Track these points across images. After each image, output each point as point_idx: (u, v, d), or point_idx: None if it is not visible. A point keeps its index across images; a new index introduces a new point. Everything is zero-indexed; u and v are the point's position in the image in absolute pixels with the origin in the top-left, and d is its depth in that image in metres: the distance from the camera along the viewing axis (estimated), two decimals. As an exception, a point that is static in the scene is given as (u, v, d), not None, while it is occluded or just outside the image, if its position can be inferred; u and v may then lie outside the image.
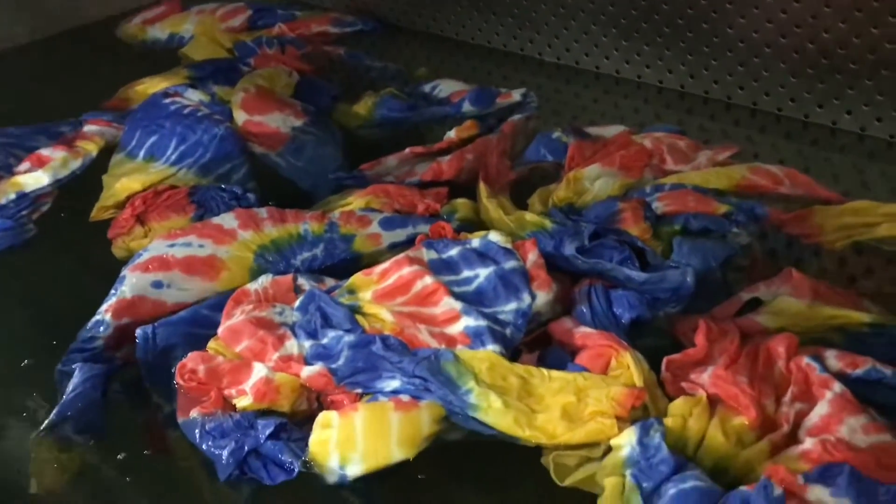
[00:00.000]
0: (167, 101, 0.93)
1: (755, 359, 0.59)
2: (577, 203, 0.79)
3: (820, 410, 0.54)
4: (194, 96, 0.96)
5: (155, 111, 0.92)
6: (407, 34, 1.27)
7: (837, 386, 0.55)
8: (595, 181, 0.80)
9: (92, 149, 0.91)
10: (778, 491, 0.48)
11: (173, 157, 0.86)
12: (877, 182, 0.87)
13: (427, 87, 1.05)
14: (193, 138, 0.87)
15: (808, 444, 0.52)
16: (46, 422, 0.57)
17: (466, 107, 0.98)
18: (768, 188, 0.78)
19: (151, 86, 1.03)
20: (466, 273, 0.64)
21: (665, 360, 0.60)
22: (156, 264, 0.67)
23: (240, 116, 0.92)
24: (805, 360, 0.57)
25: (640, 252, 0.69)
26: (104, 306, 0.65)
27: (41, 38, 1.26)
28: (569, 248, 0.68)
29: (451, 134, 0.91)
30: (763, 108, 0.99)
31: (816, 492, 0.48)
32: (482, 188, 0.79)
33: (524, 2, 1.14)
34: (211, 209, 0.79)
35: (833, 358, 0.58)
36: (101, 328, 0.64)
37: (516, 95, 0.99)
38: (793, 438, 0.54)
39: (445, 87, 1.04)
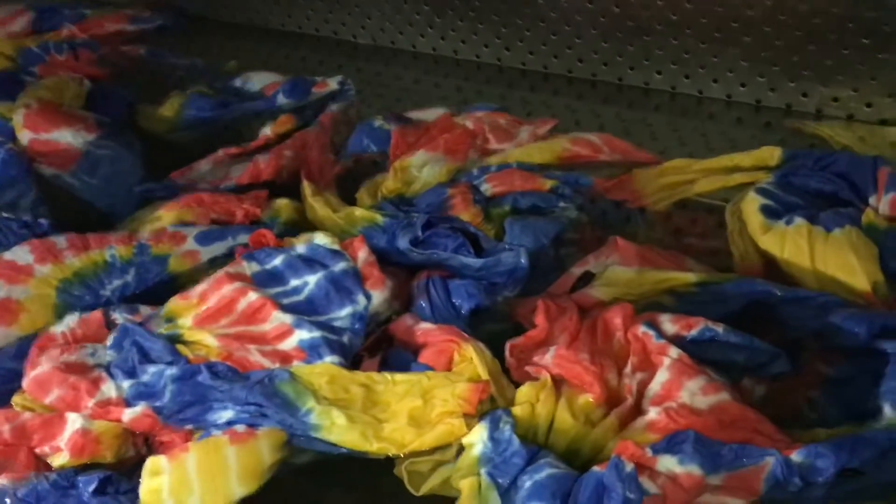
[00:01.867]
0: None
1: (593, 333, 0.59)
2: (406, 193, 0.77)
3: (660, 378, 0.54)
4: None
5: None
6: (212, 26, 1.21)
7: (674, 351, 0.55)
8: (422, 168, 0.78)
9: None
10: (629, 467, 0.48)
11: None
12: (691, 138, 0.89)
13: (238, 82, 0.99)
14: None
15: (653, 413, 0.52)
16: None
17: (281, 99, 0.93)
18: (589, 157, 0.79)
19: None
20: (294, 282, 0.61)
21: (508, 344, 0.59)
22: (-62, 316, 0.60)
23: (24, 135, 0.83)
24: (641, 329, 0.57)
25: (474, 238, 0.68)
26: None
27: None
28: (402, 242, 0.66)
29: (267, 130, 0.87)
30: (579, 75, 1.01)
31: (665, 461, 0.48)
32: (306, 186, 0.76)
33: (332, -16, 1.11)
34: None
35: (668, 322, 0.58)
36: None
37: (333, 84, 0.95)
38: (638, 409, 0.54)
39: (257, 80, 0.98)
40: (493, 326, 0.64)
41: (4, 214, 0.73)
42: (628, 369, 0.56)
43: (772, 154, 0.74)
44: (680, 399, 0.53)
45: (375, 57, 1.10)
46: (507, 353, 0.59)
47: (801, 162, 0.72)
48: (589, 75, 1.00)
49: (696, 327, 0.58)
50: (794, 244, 0.63)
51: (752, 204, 0.68)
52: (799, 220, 0.64)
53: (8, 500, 0.49)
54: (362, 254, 0.62)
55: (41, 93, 0.89)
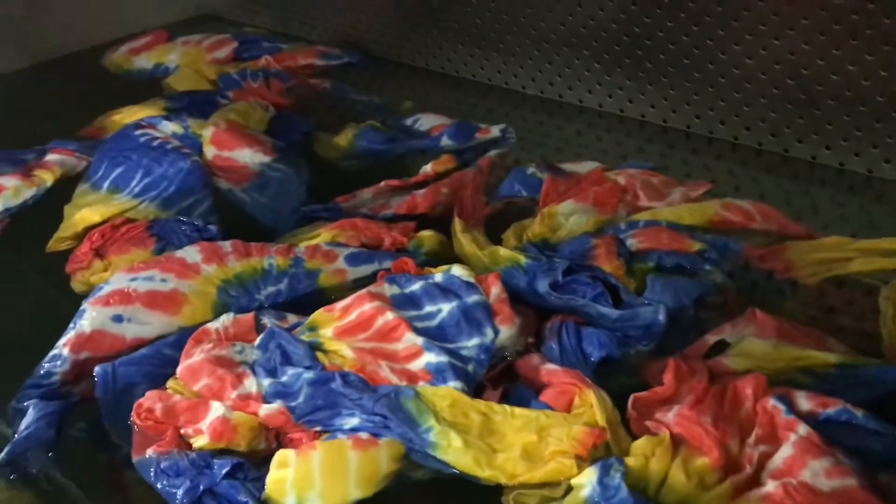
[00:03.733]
0: (138, 132, 0.93)
1: (722, 399, 0.59)
2: (551, 239, 0.79)
3: (784, 453, 0.53)
4: (167, 128, 0.96)
5: (124, 142, 0.92)
6: (393, 67, 1.28)
7: (802, 428, 0.54)
8: (569, 217, 0.80)
9: (48, 178, 0.91)
10: (737, 535, 0.47)
11: (136, 190, 0.86)
12: (856, 216, 0.87)
13: (409, 121, 1.05)
14: (158, 171, 0.87)
15: (770, 487, 0.51)
16: (-4, 460, 0.57)
17: (445, 141, 0.98)
18: (741, 224, 0.78)
19: (128, 115, 1.03)
20: (429, 308, 0.64)
21: (631, 397, 0.59)
22: (117, 298, 0.66)
23: (209, 151, 0.92)
24: (771, 402, 0.56)
25: (613, 289, 0.68)
26: (62, 340, 0.64)
27: (26, 67, 1.27)
28: (542, 284, 0.68)
29: (428, 168, 0.91)
30: (744, 142, 1.00)
31: (775, 537, 0.47)
32: (457, 222, 0.79)
33: (508, 36, 1.15)
34: (171, 242, 0.78)
35: (803, 398, 0.57)
36: (59, 363, 0.63)
37: (495, 131, 0.99)
38: (756, 481, 0.53)
39: (426, 121, 1.04)
40: (621, 379, 0.64)
41: (181, 218, 0.81)
42: (751, 440, 0.55)
43: (938, 242, 0.70)
44: (801, 477, 0.51)
45: (542, 108, 1.13)
46: (629, 405, 0.59)
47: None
48: (755, 144, 0.99)
49: (833, 407, 0.56)
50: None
51: (909, 291, 0.66)
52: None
53: (152, 470, 0.54)
54: (495, 290, 0.64)
55: (230, 115, 0.99)
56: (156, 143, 0.91)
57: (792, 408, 0.56)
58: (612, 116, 1.09)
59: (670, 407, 0.58)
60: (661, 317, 0.65)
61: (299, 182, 0.90)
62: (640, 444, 0.55)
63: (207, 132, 0.94)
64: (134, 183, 0.86)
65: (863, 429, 0.55)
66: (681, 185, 0.85)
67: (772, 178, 0.94)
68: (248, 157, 0.91)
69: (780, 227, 0.78)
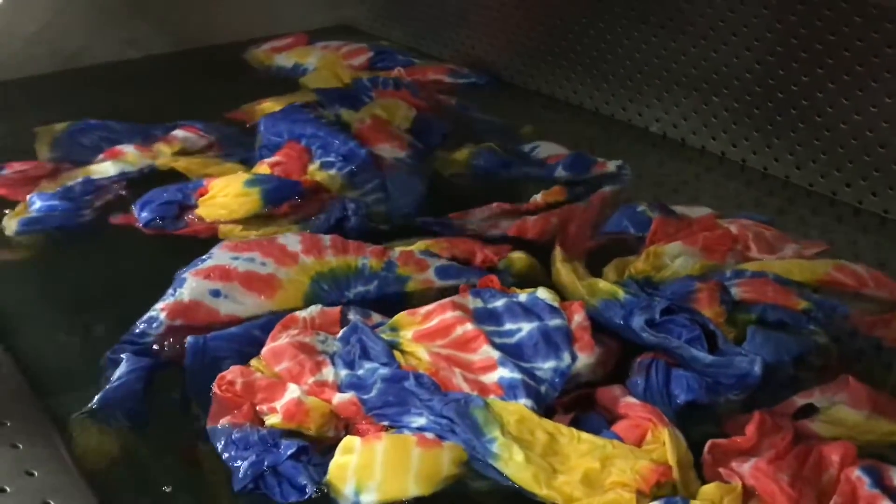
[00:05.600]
0: (306, 109, 0.99)
1: (804, 461, 0.56)
2: (654, 277, 0.78)
3: (860, 525, 0.50)
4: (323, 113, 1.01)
5: (296, 115, 0.97)
6: (519, 92, 1.29)
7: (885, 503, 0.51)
8: (675, 258, 0.79)
9: (166, 151, 0.96)
10: None
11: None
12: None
13: (527, 147, 1.05)
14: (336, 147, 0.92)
15: (840, 555, 0.49)
16: (89, 405, 0.60)
17: (560, 171, 0.98)
18: (853, 287, 0.75)
19: (277, 104, 1.08)
20: (509, 325, 0.64)
21: (709, 442, 0.57)
22: (217, 273, 0.69)
23: None
24: (856, 473, 0.54)
25: (710, 335, 0.67)
26: (160, 304, 0.68)
27: (177, 51, 1.36)
28: (638, 320, 0.67)
29: (538, 197, 0.91)
30: (868, 207, 0.96)
31: None
32: (558, 251, 0.79)
33: (639, 74, 1.14)
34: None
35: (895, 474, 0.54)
36: (155, 325, 0.66)
37: (611, 166, 0.99)
38: (827, 549, 0.50)
39: (545, 149, 1.04)
40: (704, 427, 0.62)
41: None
42: (830, 505, 0.53)
43: None
44: (872, 549, 0.49)
45: (663, 148, 1.12)
46: (705, 450, 0.57)
47: None
48: (880, 210, 0.95)
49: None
50: None
51: None
52: None
53: (223, 439, 0.56)
54: (578, 317, 0.64)
55: (377, 111, 1.03)
56: (324, 120, 0.96)
57: (880, 481, 0.53)
58: (734, 165, 1.07)
59: (748, 458, 0.56)
60: (757, 368, 0.63)
61: (422, 178, 0.94)
62: (709, 490, 0.53)
63: (355, 126, 0.98)
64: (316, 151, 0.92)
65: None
66: (794, 243, 0.83)
67: (895, 247, 0.90)
68: (387, 151, 0.95)
69: (894, 295, 0.75)
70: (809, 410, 0.62)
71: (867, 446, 0.58)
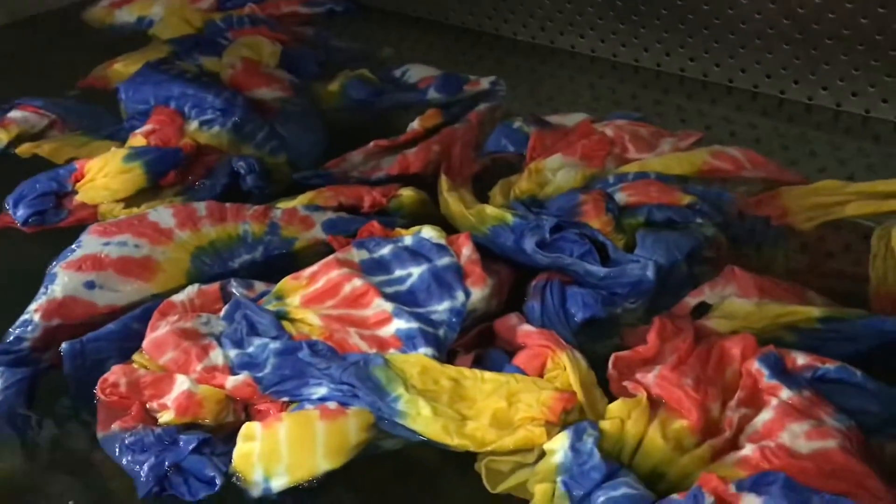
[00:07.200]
0: (164, 66, 0.92)
1: (706, 360, 0.57)
2: (539, 195, 0.76)
3: (763, 416, 0.51)
4: (182, 67, 0.94)
5: (156, 76, 0.89)
6: (380, 15, 1.25)
7: (785, 393, 0.52)
8: (557, 172, 0.77)
9: (2, 137, 0.88)
10: (709, 500, 0.46)
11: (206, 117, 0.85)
12: (853, 158, 0.84)
13: (398, 72, 1.01)
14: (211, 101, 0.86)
15: (748, 450, 0.49)
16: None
17: (432, 94, 0.95)
18: (731, 172, 0.75)
19: (130, 63, 1.01)
20: (399, 272, 0.62)
21: (613, 356, 0.57)
22: (89, 263, 0.65)
23: None
24: (755, 366, 0.54)
25: (602, 246, 0.66)
26: (33, 306, 0.63)
27: (5, 24, 1.24)
28: (529, 243, 0.66)
29: (415, 124, 0.88)
30: (739, 85, 0.97)
31: (748, 500, 0.46)
32: (443, 181, 0.77)
33: (498, -20, 1.11)
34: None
35: (800, 356, 0.55)
36: (30, 328, 0.62)
37: (485, 83, 0.96)
38: (734, 444, 0.51)
39: (415, 73, 1.00)
40: (608, 340, 0.62)
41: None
42: (733, 402, 0.54)
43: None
44: (779, 439, 0.50)
45: (533, 55, 1.10)
46: (610, 364, 0.57)
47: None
48: (750, 86, 0.96)
49: (831, 364, 0.54)
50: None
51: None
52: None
53: (117, 445, 0.53)
54: (466, 251, 0.63)
55: (244, 51, 0.97)
56: (188, 75, 0.90)
57: (781, 369, 0.54)
58: (605, 62, 1.06)
59: (651, 367, 0.56)
60: (650, 272, 0.63)
61: (317, 115, 0.90)
62: (616, 407, 0.53)
63: (226, 73, 0.93)
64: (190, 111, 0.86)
65: (860, 388, 0.53)
66: (670, 136, 0.82)
67: (768, 122, 0.91)
68: (268, 94, 0.90)
69: (771, 174, 0.76)
70: (704, 309, 0.63)
71: (763, 332, 0.59)
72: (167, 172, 0.80)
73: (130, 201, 0.79)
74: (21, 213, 0.77)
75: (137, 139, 0.83)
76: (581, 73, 1.05)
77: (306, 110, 0.90)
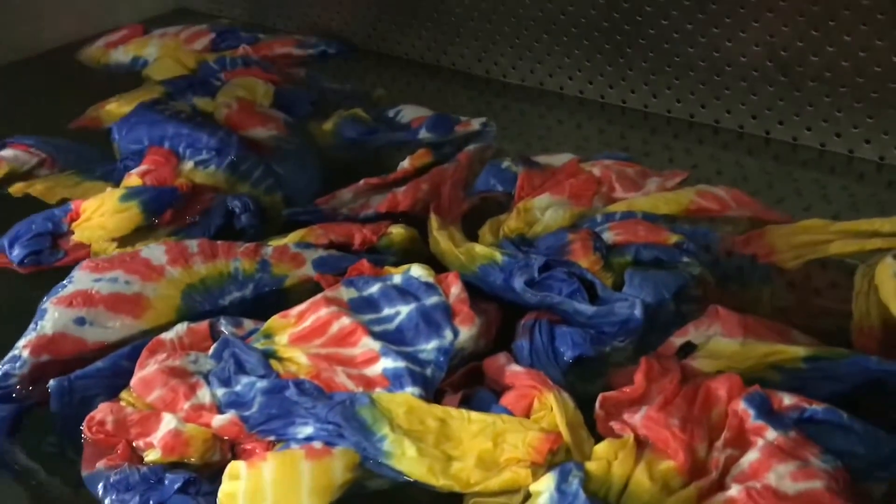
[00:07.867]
0: (159, 107, 0.93)
1: (693, 400, 0.57)
2: (527, 234, 0.77)
3: (749, 457, 0.51)
4: (177, 107, 0.95)
5: (150, 116, 0.90)
6: (372, 57, 1.26)
7: (771, 433, 0.52)
8: (545, 211, 0.79)
9: None
10: (695, 541, 0.46)
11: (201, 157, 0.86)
12: (838, 197, 0.86)
13: (391, 112, 1.03)
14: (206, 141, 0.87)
15: (734, 491, 0.49)
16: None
17: (423, 133, 0.96)
18: (717, 212, 0.76)
19: (124, 103, 1.02)
20: (387, 311, 0.62)
21: (600, 396, 0.58)
22: (80, 299, 0.65)
23: None
24: (741, 406, 0.55)
25: (590, 285, 0.67)
26: (22, 341, 0.63)
27: (4, 65, 1.25)
28: (518, 282, 0.67)
29: (405, 163, 0.89)
30: (725, 125, 0.98)
31: (735, 542, 0.46)
32: (433, 219, 0.77)
33: (488, 25, 1.13)
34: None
35: (786, 396, 0.55)
36: (18, 364, 0.62)
37: (475, 124, 0.97)
38: (721, 485, 0.51)
39: (408, 113, 1.02)
40: (597, 380, 0.62)
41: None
42: (720, 443, 0.54)
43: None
44: (765, 480, 0.50)
45: (523, 96, 1.11)
46: (597, 405, 0.57)
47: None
48: (735, 127, 0.97)
49: (818, 406, 0.54)
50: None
51: (887, 269, 0.65)
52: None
53: (101, 484, 0.53)
54: (455, 289, 0.63)
55: (238, 92, 0.98)
56: (183, 115, 0.90)
57: (767, 409, 0.54)
58: (594, 103, 1.07)
59: (639, 408, 0.56)
60: (637, 311, 0.63)
61: (313, 153, 0.91)
62: (602, 448, 0.53)
63: (220, 113, 0.93)
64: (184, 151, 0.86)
65: (847, 430, 0.53)
66: (656, 175, 0.84)
67: (754, 162, 0.93)
68: (263, 134, 0.91)
69: (757, 213, 0.77)
70: (689, 348, 0.63)
71: (749, 372, 0.59)
72: (164, 211, 0.81)
73: (125, 240, 0.79)
74: (17, 253, 0.78)
75: (133, 179, 0.84)
76: (569, 114, 1.06)
77: (302, 148, 0.91)
